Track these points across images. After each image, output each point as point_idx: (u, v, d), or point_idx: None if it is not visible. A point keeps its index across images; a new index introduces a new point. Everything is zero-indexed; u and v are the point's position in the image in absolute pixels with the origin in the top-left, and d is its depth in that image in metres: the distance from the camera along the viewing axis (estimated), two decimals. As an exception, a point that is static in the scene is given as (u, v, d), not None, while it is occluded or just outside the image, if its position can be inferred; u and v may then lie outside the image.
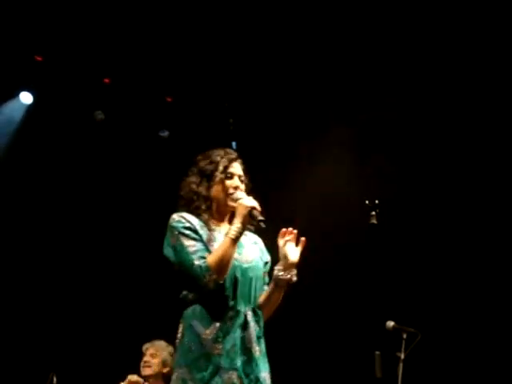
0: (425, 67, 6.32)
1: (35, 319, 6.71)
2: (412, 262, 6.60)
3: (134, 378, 5.43)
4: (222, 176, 3.49)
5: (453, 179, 6.57)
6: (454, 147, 6.53)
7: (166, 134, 7.09)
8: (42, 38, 6.25)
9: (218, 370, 3.26)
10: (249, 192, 3.50)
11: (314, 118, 6.68)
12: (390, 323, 5.22)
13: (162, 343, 5.58)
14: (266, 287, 3.49)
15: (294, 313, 5.71)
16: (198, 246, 3.34)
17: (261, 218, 3.33)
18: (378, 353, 4.70)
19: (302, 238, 3.44)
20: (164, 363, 5.55)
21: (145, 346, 5.61)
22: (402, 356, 5.08)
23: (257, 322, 3.40)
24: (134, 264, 6.96)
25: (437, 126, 6.52)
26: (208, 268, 3.25)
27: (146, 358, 5.52)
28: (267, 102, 6.73)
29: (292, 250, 3.43)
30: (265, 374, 3.39)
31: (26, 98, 6.58)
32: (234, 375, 3.28)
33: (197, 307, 3.33)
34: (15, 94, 6.56)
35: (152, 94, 6.83)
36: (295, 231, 3.44)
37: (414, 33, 6.15)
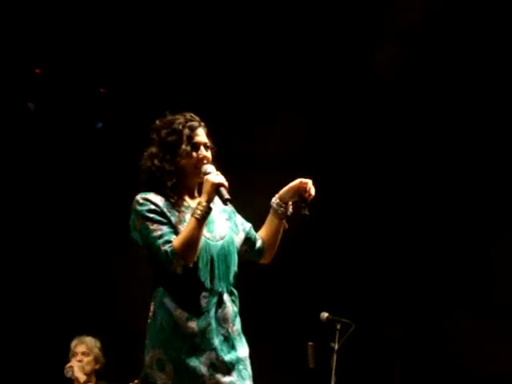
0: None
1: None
2: (345, 253, 6.66)
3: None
4: (188, 149, 3.26)
5: (380, 169, 6.65)
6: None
7: (99, 125, 7.01)
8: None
9: (194, 351, 3.16)
10: (214, 158, 3.36)
11: (247, 108, 6.67)
12: (324, 314, 5.26)
13: (90, 339, 5.55)
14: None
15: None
16: (164, 229, 3.16)
17: (227, 196, 3.19)
18: (310, 343, 4.74)
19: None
20: (96, 360, 5.52)
21: (73, 343, 5.53)
22: (336, 346, 5.13)
23: (233, 301, 3.29)
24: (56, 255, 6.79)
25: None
26: (174, 253, 3.10)
27: (78, 358, 5.45)
28: (202, 94, 6.69)
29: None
30: (243, 351, 3.30)
31: None
32: (212, 355, 3.18)
33: (169, 286, 3.21)
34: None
35: (85, 84, 6.74)
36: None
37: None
